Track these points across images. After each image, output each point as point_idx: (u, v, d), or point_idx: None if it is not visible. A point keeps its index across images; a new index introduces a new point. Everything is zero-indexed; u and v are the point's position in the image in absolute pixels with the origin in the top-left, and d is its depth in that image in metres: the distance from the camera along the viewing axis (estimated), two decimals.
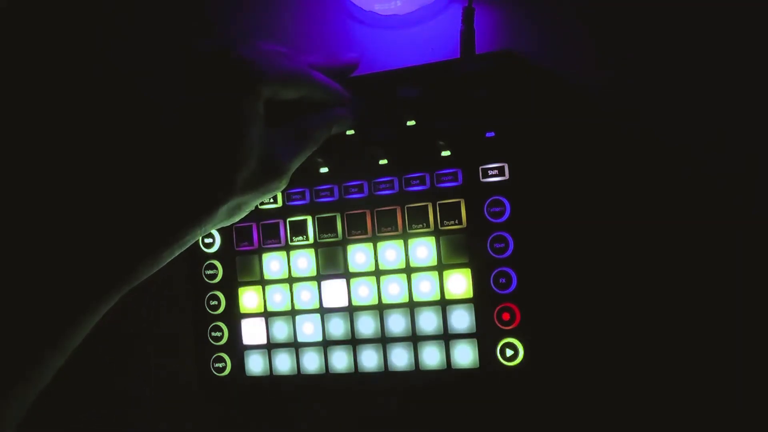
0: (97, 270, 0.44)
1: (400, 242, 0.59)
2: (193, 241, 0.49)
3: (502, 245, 0.56)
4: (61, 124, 0.67)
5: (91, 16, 0.73)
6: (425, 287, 0.58)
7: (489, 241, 0.56)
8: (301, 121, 0.53)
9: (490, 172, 0.56)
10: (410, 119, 0.58)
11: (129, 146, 0.47)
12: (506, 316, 0.56)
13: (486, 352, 0.56)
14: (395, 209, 0.59)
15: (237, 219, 0.52)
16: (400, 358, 0.59)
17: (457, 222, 0.57)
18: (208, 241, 0.64)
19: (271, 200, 0.62)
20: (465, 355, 0.57)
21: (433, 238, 0.58)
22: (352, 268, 0.60)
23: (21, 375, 0.43)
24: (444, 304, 0.58)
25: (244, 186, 0.49)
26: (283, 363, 0.62)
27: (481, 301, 0.57)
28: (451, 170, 0.57)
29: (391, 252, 0.59)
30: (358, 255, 0.60)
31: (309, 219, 0.61)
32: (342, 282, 0.60)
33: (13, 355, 0.42)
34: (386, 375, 0.59)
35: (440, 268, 0.58)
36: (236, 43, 0.50)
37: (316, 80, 0.53)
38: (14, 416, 0.43)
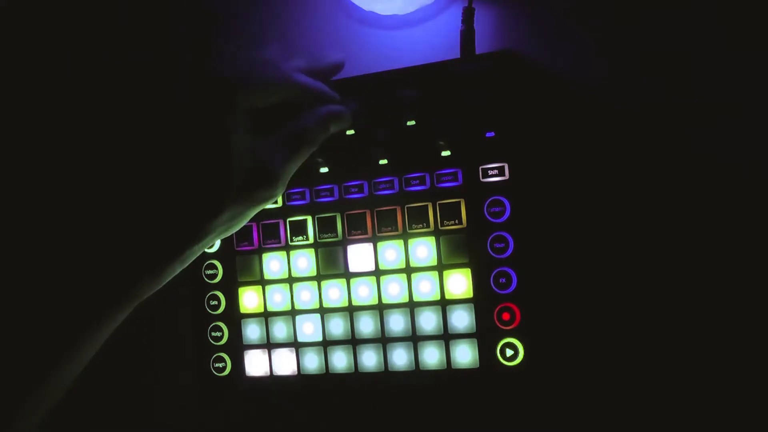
0: (95, 290, 0.44)
1: (400, 242, 0.59)
2: (196, 256, 0.49)
3: (502, 245, 0.56)
4: (52, 131, 0.68)
5: (90, 16, 0.73)
6: (425, 287, 0.58)
7: (489, 241, 0.56)
8: (291, 124, 0.51)
9: (490, 172, 0.56)
10: (410, 119, 0.58)
11: (114, 165, 0.47)
12: (506, 316, 0.56)
13: (486, 352, 0.56)
14: (395, 209, 0.59)
15: (236, 229, 0.51)
16: (400, 358, 0.59)
17: (457, 222, 0.57)
18: None
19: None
20: (465, 355, 0.57)
21: (433, 238, 0.58)
22: (352, 268, 0.60)
23: (24, 395, 0.43)
24: (444, 304, 0.58)
25: (235, 198, 0.48)
26: (283, 363, 0.62)
27: (481, 301, 0.57)
28: (451, 170, 0.57)
29: (391, 252, 0.59)
30: (359, 255, 0.60)
31: (309, 219, 0.61)
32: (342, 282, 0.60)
33: (18, 372, 0.42)
34: (386, 375, 0.59)
35: (440, 268, 0.58)
36: (210, 56, 0.50)
37: (296, 82, 0.51)
38: (32, 423, 0.44)
